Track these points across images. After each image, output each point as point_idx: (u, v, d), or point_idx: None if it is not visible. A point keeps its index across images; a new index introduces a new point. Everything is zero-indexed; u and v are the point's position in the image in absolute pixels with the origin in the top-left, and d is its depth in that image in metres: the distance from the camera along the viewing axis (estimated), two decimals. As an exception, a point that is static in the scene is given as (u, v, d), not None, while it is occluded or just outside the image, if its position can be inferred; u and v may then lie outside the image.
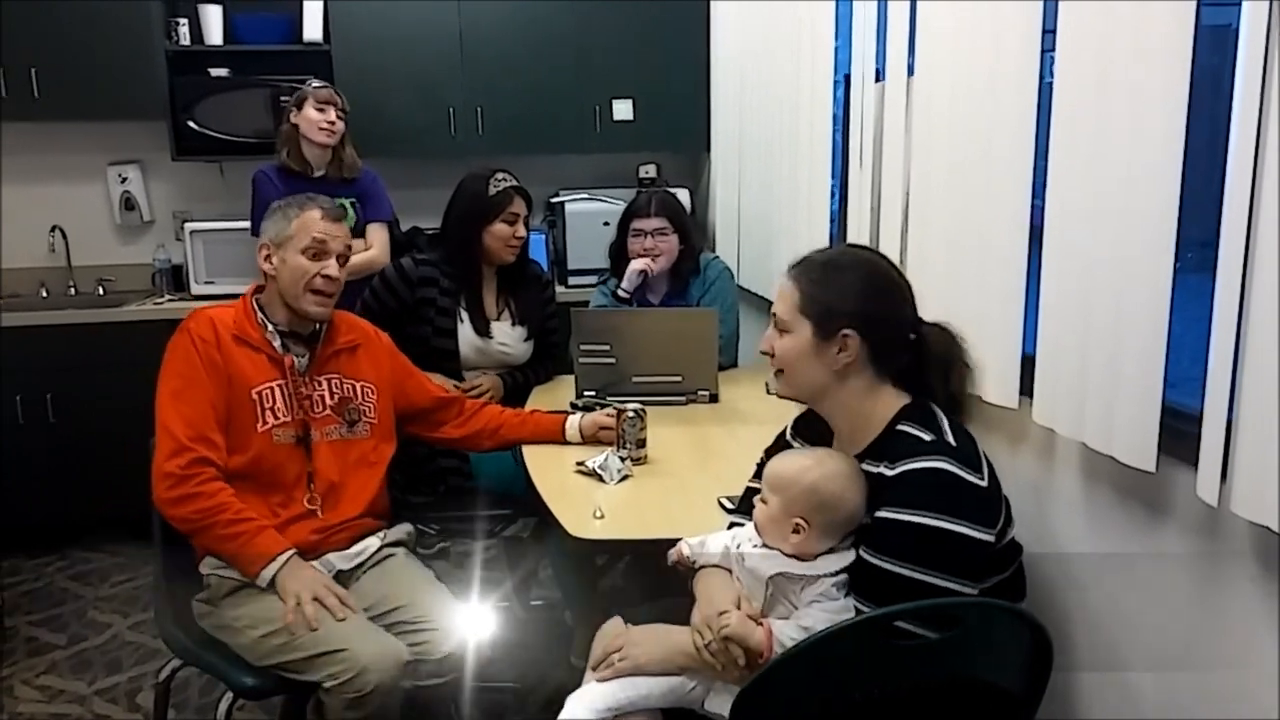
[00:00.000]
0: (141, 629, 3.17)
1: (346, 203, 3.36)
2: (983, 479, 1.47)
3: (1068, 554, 1.72)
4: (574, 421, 2.41)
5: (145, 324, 3.72)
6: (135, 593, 3.44)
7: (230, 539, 1.92)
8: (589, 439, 2.37)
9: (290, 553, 1.94)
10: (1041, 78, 1.68)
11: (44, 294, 4.10)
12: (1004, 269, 1.79)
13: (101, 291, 4.13)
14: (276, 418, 2.07)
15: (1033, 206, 1.73)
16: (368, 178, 3.46)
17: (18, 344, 3.62)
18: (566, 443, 2.39)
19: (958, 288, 1.94)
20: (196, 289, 3.89)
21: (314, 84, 3.34)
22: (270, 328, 2.12)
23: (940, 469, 1.44)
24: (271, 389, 2.07)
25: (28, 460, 3.60)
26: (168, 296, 4.00)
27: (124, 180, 4.13)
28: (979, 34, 1.82)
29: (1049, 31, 1.64)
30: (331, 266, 2.12)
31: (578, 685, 1.65)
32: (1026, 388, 1.75)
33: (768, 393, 2.71)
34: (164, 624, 2.06)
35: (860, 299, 1.54)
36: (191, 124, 3.86)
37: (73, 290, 4.14)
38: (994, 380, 1.81)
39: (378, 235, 3.43)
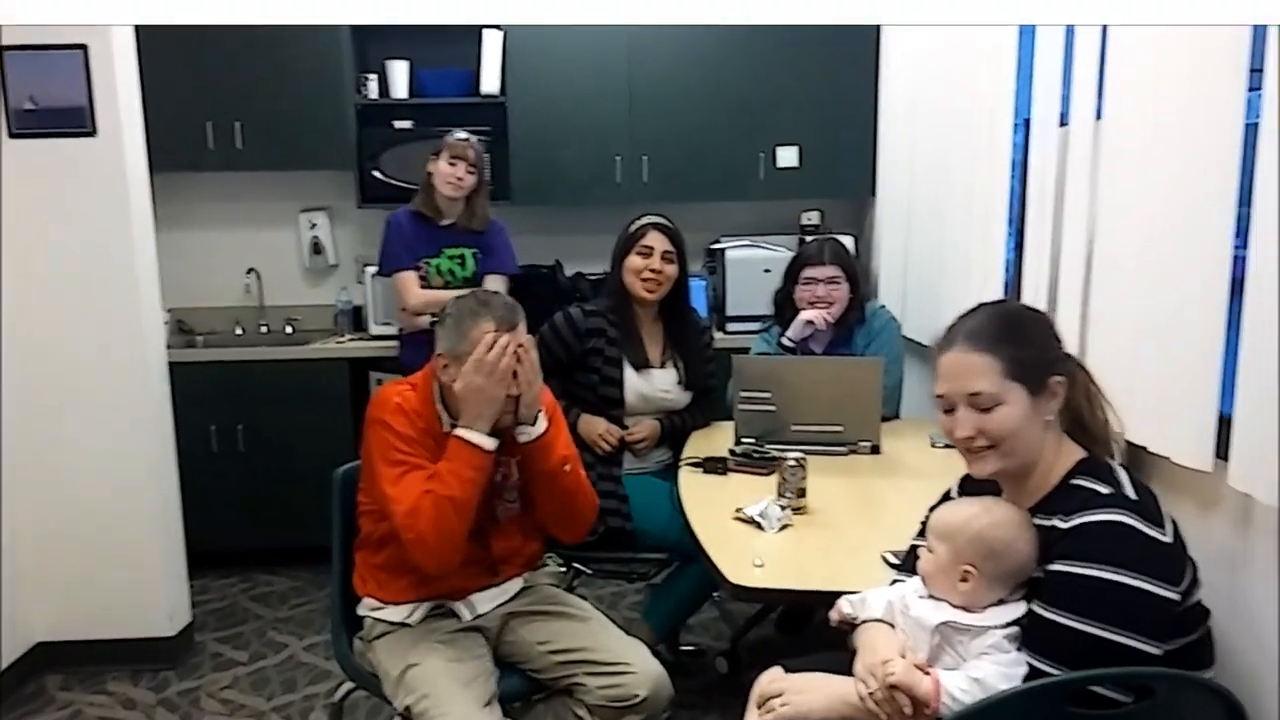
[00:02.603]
0: (315, 650, 3.32)
1: (467, 252, 3.47)
2: (1165, 535, 1.40)
3: (1263, 628, 1.59)
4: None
5: (327, 361, 3.95)
6: (310, 616, 3.60)
7: None
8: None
9: None
10: (1246, 119, 1.59)
11: (239, 331, 4.39)
12: (1201, 322, 1.68)
13: (290, 330, 4.38)
14: None
15: (1235, 257, 1.62)
16: (494, 230, 3.50)
17: (214, 377, 3.87)
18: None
19: (1147, 340, 1.84)
20: (375, 329, 4.07)
21: (455, 136, 3.38)
22: (450, 425, 2.03)
23: (1119, 522, 1.38)
24: None
25: (219, 486, 3.81)
26: (348, 336, 4.22)
27: (313, 226, 4.39)
28: (1177, 74, 1.73)
29: (1256, 70, 1.55)
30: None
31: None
32: (1222, 450, 1.63)
33: (932, 446, 2.66)
34: (340, 649, 2.17)
35: (1052, 343, 1.55)
36: (376, 173, 4.08)
37: (264, 329, 4.41)
38: (1186, 441, 1.71)
39: (494, 288, 3.41)
